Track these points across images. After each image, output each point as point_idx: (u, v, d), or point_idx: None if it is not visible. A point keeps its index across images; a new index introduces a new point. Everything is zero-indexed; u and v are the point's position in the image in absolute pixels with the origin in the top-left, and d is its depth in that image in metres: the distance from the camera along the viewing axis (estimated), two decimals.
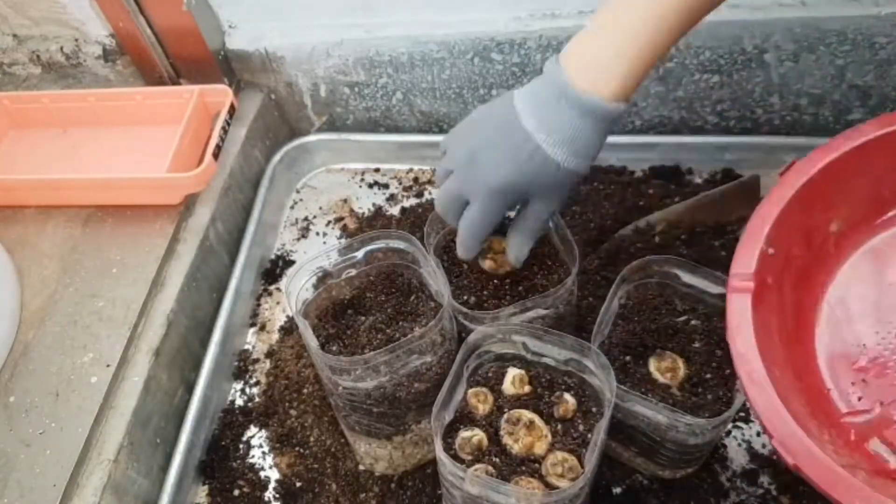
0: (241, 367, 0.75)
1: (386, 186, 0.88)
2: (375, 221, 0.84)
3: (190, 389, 0.71)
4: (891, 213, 0.58)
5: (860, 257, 0.58)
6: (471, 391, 0.56)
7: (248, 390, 0.74)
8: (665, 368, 0.57)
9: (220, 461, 0.69)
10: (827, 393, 0.54)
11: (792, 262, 0.55)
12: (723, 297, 0.51)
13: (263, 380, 0.74)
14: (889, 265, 0.57)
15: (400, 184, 0.88)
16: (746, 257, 0.52)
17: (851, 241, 0.58)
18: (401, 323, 0.60)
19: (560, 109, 0.50)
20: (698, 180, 0.81)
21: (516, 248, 0.59)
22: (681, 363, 0.58)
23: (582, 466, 0.51)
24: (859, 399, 0.53)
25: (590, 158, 0.53)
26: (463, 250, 0.59)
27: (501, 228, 0.61)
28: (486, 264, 0.62)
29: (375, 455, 0.64)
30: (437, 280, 0.60)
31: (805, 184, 0.54)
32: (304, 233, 0.85)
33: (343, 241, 0.83)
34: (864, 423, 0.52)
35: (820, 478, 0.43)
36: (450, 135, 0.58)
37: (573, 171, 0.52)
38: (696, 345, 0.59)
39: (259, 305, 0.80)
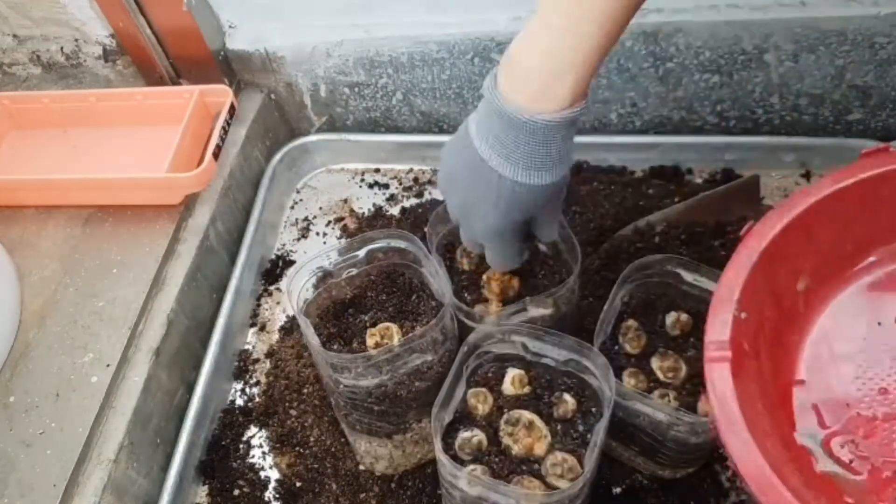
0: (241, 366, 0.75)
1: (386, 186, 0.88)
2: (375, 221, 0.84)
3: (190, 389, 0.71)
4: (856, 267, 0.56)
5: (828, 314, 0.55)
6: (470, 391, 0.56)
7: (248, 390, 0.74)
8: (667, 368, 0.58)
9: (220, 461, 0.69)
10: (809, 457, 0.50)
11: (765, 325, 0.52)
12: None
13: (263, 380, 0.74)
14: (855, 320, 0.55)
15: (400, 184, 0.88)
16: (720, 324, 0.49)
17: (820, 296, 0.55)
18: (402, 322, 0.60)
19: (509, 133, 0.47)
20: (698, 180, 0.81)
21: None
22: (682, 362, 0.58)
23: (582, 467, 0.51)
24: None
25: (563, 166, 0.50)
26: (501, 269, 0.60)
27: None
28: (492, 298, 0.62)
29: (376, 454, 0.63)
30: (438, 279, 0.60)
31: (767, 246, 0.51)
32: (305, 233, 0.85)
33: (343, 240, 0.83)
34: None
35: None
36: (440, 180, 0.57)
37: (550, 184, 0.49)
38: (698, 344, 0.59)
39: (259, 305, 0.80)
